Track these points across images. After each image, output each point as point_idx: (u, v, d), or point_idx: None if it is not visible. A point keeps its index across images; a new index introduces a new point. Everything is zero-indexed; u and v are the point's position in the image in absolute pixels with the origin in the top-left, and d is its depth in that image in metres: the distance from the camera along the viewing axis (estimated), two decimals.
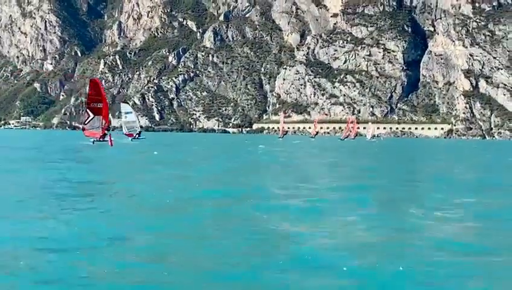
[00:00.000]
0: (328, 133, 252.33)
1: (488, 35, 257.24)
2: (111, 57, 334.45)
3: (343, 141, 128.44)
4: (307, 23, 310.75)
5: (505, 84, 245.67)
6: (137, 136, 77.98)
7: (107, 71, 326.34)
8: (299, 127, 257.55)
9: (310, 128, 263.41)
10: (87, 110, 64.22)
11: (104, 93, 68.51)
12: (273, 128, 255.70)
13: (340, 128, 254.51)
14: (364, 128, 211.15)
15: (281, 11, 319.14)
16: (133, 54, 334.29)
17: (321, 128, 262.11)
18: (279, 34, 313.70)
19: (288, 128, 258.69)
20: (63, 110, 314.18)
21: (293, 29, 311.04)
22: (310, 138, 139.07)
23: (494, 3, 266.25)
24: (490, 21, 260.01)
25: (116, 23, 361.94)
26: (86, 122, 64.57)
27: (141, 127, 78.73)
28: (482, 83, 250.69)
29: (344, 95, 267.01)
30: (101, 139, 62.32)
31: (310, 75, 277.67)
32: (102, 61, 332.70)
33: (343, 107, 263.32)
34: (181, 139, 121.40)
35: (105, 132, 63.05)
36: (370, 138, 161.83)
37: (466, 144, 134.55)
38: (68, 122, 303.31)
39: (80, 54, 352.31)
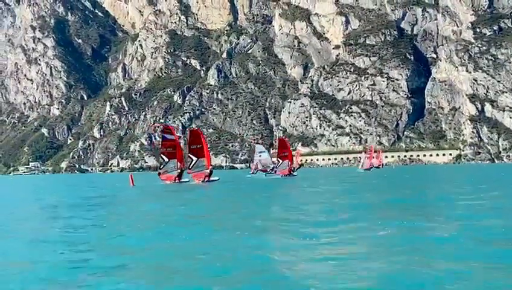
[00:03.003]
0: (336, 164, 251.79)
1: (491, 59, 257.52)
2: (117, 99, 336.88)
3: (359, 173, 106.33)
4: (309, 56, 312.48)
5: (511, 107, 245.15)
6: (271, 171, 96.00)
7: (113, 113, 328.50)
8: (306, 160, 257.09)
9: (317, 160, 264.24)
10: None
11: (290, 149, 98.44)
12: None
13: (348, 159, 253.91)
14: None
15: (283, 45, 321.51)
16: (138, 95, 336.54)
17: (329, 159, 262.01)
18: (282, 68, 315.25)
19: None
20: (71, 154, 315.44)
21: (295, 63, 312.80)
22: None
23: (494, 28, 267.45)
24: (492, 45, 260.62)
25: (120, 65, 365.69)
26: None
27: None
28: (488, 107, 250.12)
29: (350, 126, 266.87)
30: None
31: (315, 107, 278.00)
32: (108, 103, 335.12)
33: (350, 137, 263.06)
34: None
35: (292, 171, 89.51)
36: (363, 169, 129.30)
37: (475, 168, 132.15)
38: (77, 165, 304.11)
39: (86, 98, 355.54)
